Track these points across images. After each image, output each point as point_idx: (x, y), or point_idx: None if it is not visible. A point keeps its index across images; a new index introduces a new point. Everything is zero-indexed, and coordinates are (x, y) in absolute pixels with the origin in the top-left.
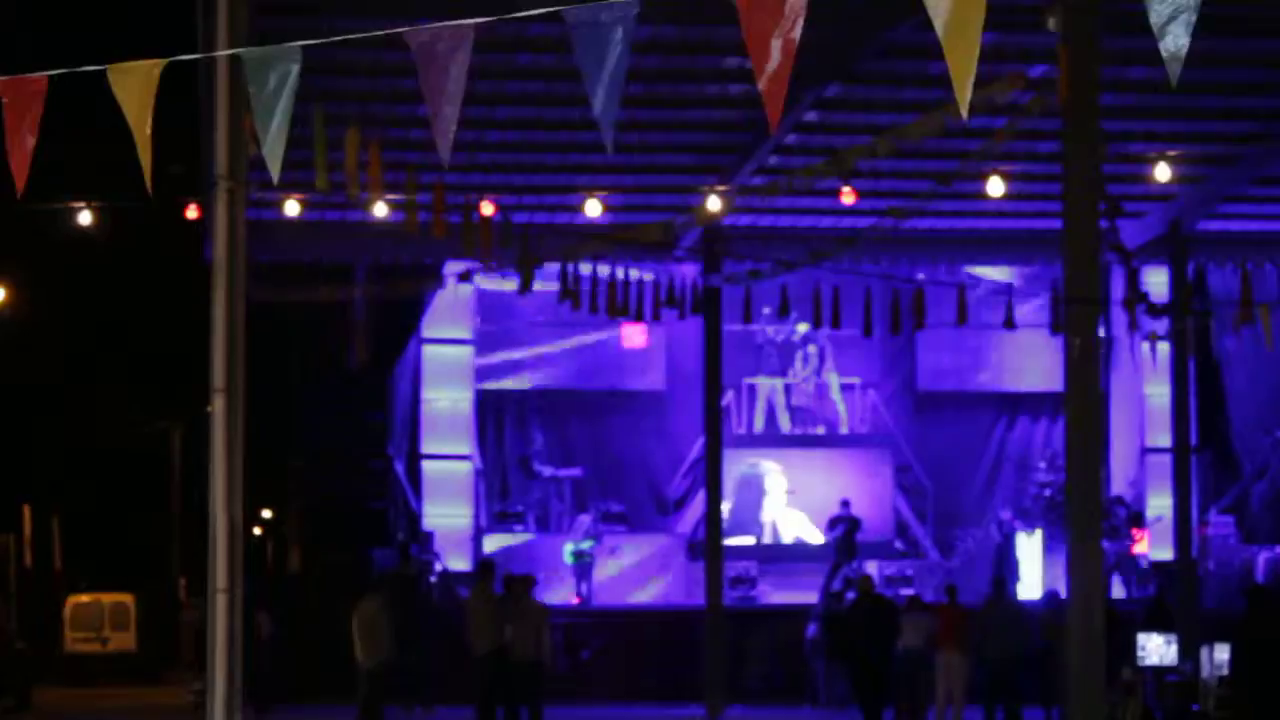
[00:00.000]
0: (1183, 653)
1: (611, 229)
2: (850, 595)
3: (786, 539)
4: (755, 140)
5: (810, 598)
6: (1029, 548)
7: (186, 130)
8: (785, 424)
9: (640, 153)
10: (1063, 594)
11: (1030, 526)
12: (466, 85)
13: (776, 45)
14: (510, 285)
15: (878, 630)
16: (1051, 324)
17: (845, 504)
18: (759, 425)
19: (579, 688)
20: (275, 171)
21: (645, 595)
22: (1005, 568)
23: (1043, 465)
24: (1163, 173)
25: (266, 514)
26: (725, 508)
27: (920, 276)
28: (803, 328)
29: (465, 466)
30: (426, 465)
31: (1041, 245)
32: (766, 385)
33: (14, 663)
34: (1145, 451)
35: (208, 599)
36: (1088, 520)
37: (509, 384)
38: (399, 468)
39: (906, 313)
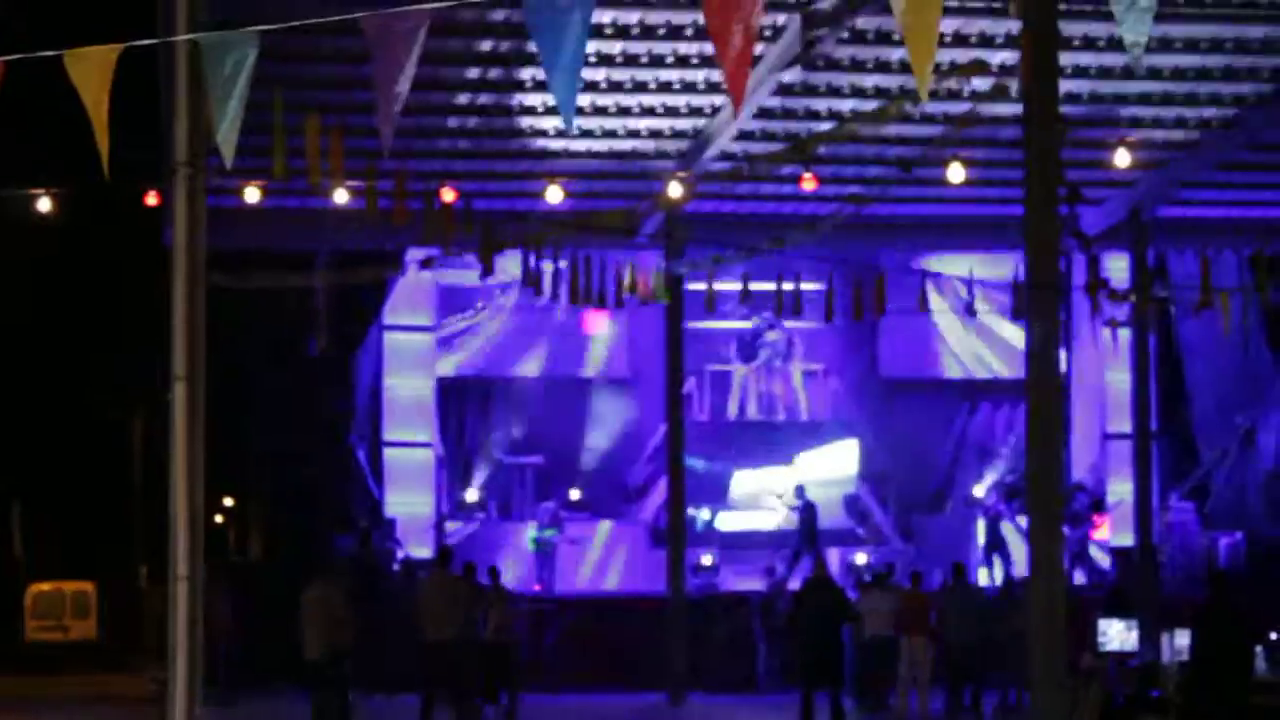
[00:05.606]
0: (1143, 638)
1: (573, 215)
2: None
3: (749, 525)
4: (717, 126)
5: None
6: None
7: (146, 115)
8: (750, 410)
9: (601, 138)
10: (1018, 579)
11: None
12: (428, 71)
13: (738, 30)
14: (472, 275)
15: (824, 612)
16: (1013, 310)
17: (800, 491)
18: (733, 411)
19: (541, 675)
20: (228, 157)
21: (607, 583)
22: (996, 550)
23: (1004, 451)
24: (1123, 159)
25: (228, 501)
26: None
27: (882, 263)
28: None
29: (427, 453)
30: (388, 452)
31: (1002, 231)
32: (731, 371)
33: None
34: (1106, 437)
35: (169, 586)
36: (1048, 505)
37: (470, 370)
38: (361, 455)
39: (868, 299)
